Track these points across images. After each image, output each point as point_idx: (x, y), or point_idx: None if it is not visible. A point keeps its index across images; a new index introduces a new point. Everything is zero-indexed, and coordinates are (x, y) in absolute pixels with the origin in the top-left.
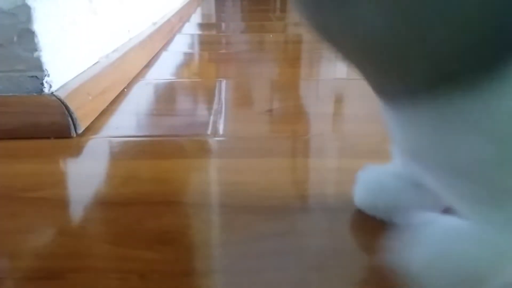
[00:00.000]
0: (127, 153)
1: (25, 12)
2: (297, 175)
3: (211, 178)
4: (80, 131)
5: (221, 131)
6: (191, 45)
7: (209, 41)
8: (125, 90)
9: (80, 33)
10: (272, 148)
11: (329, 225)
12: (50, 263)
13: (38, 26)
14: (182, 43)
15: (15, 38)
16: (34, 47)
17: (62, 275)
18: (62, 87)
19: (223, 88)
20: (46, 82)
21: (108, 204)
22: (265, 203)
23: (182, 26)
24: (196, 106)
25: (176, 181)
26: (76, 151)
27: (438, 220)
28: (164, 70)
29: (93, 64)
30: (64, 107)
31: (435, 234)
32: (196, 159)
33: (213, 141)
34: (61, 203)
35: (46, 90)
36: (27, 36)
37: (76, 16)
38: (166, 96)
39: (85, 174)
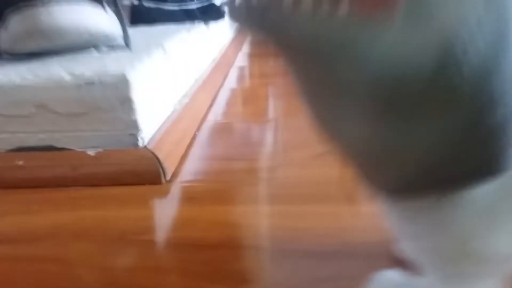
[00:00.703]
0: (206, 198)
1: (125, 84)
2: (350, 221)
3: (275, 223)
4: (168, 177)
5: (279, 176)
6: (243, 78)
7: (262, 73)
8: (197, 133)
9: (161, 86)
10: (327, 193)
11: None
12: None
13: (134, 94)
14: (236, 77)
15: (118, 105)
16: (132, 111)
17: None
18: (151, 139)
19: (278, 128)
20: (140, 138)
21: (200, 246)
22: (322, 248)
23: (236, 57)
24: (253, 149)
25: (246, 226)
26: (168, 195)
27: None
28: (223, 109)
29: (171, 113)
30: (155, 158)
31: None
32: (256, 205)
33: (271, 187)
34: (165, 244)
35: (140, 144)
36: (127, 103)
37: (158, 74)
38: (228, 139)
39: (178, 217)
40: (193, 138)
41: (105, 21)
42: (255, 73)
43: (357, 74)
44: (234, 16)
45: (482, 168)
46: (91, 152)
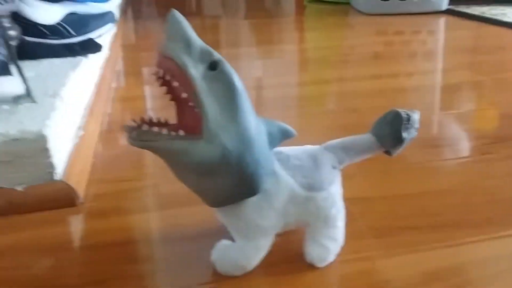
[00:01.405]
0: (111, 211)
1: (42, 139)
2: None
3: (163, 223)
4: (81, 200)
5: (162, 191)
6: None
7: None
8: (94, 160)
9: (63, 129)
10: (197, 199)
11: None
12: None
13: (49, 144)
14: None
15: (38, 153)
16: (48, 156)
17: None
18: (64, 173)
19: None
20: (55, 173)
21: (111, 245)
22: (201, 235)
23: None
24: (138, 171)
25: (142, 228)
26: (82, 213)
27: (224, 242)
28: (109, 134)
29: (73, 148)
30: (69, 187)
31: (221, 246)
32: (147, 213)
33: (156, 198)
34: (84, 246)
35: (56, 178)
36: (44, 151)
37: (61, 120)
38: (117, 163)
39: (92, 227)
40: (93, 165)
41: (12, 83)
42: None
43: (187, 162)
44: (128, 138)
45: (250, 191)
46: (19, 188)
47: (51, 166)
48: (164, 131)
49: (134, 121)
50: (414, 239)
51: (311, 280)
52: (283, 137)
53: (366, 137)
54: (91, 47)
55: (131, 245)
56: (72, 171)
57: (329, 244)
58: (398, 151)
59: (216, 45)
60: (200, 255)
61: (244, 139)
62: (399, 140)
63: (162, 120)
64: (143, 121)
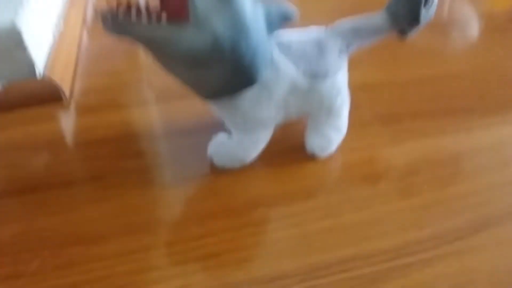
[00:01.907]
0: (101, 106)
1: (17, 33)
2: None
3: (159, 116)
4: (67, 95)
5: (158, 81)
6: None
7: None
8: (79, 53)
9: (41, 21)
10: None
11: None
12: None
13: (25, 38)
14: None
15: (14, 49)
16: (26, 52)
17: None
18: (46, 68)
19: None
20: (37, 69)
21: (103, 141)
22: (199, 128)
23: None
24: (129, 61)
25: (138, 122)
26: (71, 109)
27: (220, 135)
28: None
29: (54, 41)
30: (53, 82)
31: (217, 140)
32: (143, 106)
33: (154, 90)
34: (76, 143)
35: (38, 74)
36: (21, 46)
37: (36, 11)
38: (107, 56)
39: (82, 123)
40: (78, 59)
41: None
42: None
43: (173, 52)
44: (103, 26)
45: (247, 82)
46: None
47: (30, 60)
48: (143, 17)
49: (110, 5)
50: (423, 125)
51: (312, 170)
52: (283, 20)
53: (378, 16)
54: None
55: (125, 140)
56: (55, 65)
57: (332, 134)
58: (413, 33)
59: None
60: (198, 149)
61: (238, 24)
62: (416, 20)
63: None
64: (119, 5)
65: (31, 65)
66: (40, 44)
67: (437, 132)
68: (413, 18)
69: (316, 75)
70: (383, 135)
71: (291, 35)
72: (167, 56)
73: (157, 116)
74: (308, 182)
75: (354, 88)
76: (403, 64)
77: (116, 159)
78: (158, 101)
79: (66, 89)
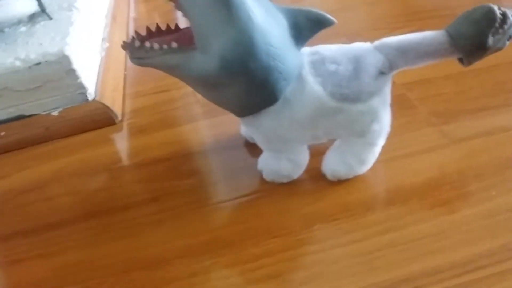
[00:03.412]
0: (153, 127)
1: (66, 59)
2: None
3: (212, 131)
4: (119, 118)
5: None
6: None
7: None
8: (125, 73)
9: (87, 43)
10: None
11: None
12: None
13: (74, 63)
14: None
15: (64, 75)
16: (76, 76)
17: None
18: (96, 92)
19: None
20: (88, 94)
21: (158, 161)
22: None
23: None
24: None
25: (190, 139)
26: (123, 131)
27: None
28: None
29: (100, 62)
30: (104, 106)
31: (265, 155)
32: (194, 122)
33: (201, 106)
34: (133, 166)
35: (89, 98)
36: (71, 72)
37: (82, 35)
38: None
39: (136, 145)
40: (125, 78)
41: (23, 1)
42: None
43: (188, 77)
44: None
45: (265, 101)
46: (54, 113)
47: (81, 86)
48: (156, 45)
49: (134, 34)
50: (485, 122)
51: (366, 181)
52: (316, 27)
53: (437, 35)
54: None
55: (177, 159)
56: (104, 88)
57: (354, 165)
58: (476, 60)
59: None
60: (248, 164)
61: (242, 44)
62: (482, 47)
63: (165, 28)
64: (137, 36)
65: (82, 91)
66: (88, 69)
67: (502, 129)
68: (479, 44)
69: (345, 98)
70: (441, 136)
71: (329, 49)
72: (185, 79)
73: (205, 132)
74: (363, 194)
75: (405, 87)
76: None
77: (171, 179)
78: (205, 117)
79: (117, 111)
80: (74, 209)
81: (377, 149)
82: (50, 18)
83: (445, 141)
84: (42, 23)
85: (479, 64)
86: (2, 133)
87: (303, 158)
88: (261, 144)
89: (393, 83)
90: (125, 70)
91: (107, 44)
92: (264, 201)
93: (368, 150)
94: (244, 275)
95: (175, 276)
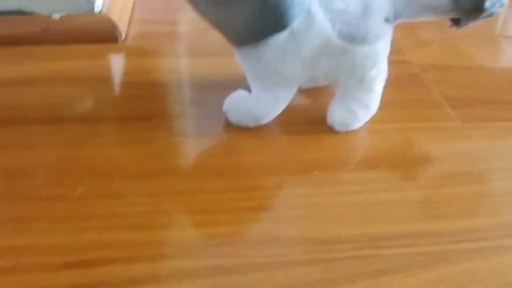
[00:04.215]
0: (154, 52)
1: None
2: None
3: (196, 70)
4: (123, 38)
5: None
6: None
7: None
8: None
9: None
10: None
11: None
12: None
13: None
14: None
15: None
16: None
17: None
18: (104, 6)
19: None
20: (96, 4)
21: (156, 84)
22: (224, 82)
23: None
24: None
25: (176, 71)
26: (125, 51)
27: (239, 91)
28: None
29: None
30: (111, 21)
31: (235, 95)
32: (181, 58)
33: (192, 43)
34: (133, 84)
35: (96, 10)
36: None
37: None
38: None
39: (138, 65)
40: (134, 3)
41: None
42: None
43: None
44: None
45: (275, 26)
46: (56, 16)
47: None
48: None
49: None
50: (496, 112)
51: (374, 142)
52: None
53: None
54: None
55: (174, 87)
56: (113, 4)
57: (358, 110)
58: (469, 23)
59: None
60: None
61: None
62: (479, 8)
63: None
64: None
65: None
66: None
67: None
68: (476, 5)
69: (352, 38)
70: (453, 118)
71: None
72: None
73: (211, 67)
74: (368, 153)
75: (422, 68)
76: (480, 50)
77: (166, 103)
78: (211, 55)
79: (122, 29)
80: (63, 111)
81: (377, 95)
82: None
83: (454, 123)
84: None
85: (498, 63)
86: None
87: (285, 100)
88: (254, 78)
89: (409, 62)
90: None
91: None
92: (263, 141)
93: (367, 96)
94: (234, 202)
95: (160, 190)
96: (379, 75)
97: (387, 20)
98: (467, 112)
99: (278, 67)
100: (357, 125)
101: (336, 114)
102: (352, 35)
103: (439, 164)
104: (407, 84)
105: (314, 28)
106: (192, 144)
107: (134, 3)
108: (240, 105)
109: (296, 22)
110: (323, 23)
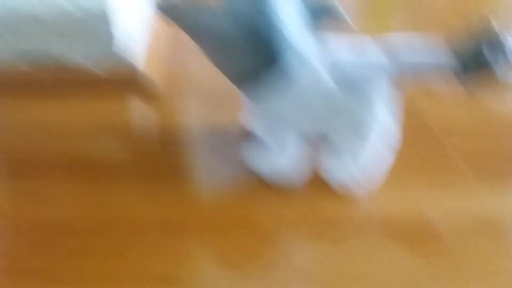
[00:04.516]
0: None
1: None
2: None
3: None
4: (157, 92)
5: None
6: None
7: None
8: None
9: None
10: None
11: None
12: None
13: (121, 22)
14: None
15: (107, 27)
16: (118, 32)
17: None
18: (133, 54)
19: None
20: (125, 53)
21: None
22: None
23: None
24: None
25: None
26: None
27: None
28: None
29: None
30: (135, 67)
31: (252, 145)
32: None
33: None
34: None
35: (126, 58)
36: (113, 27)
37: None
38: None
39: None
40: (152, 46)
41: None
42: None
43: (205, 34)
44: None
45: (264, 62)
46: (88, 61)
47: (119, 42)
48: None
49: None
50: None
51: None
52: (324, 14)
53: (444, 56)
54: None
55: (186, 135)
56: (150, 63)
57: (347, 160)
58: (476, 76)
59: None
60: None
61: (256, 4)
62: (478, 58)
63: None
64: None
65: (119, 47)
66: (132, 32)
67: None
68: (477, 59)
69: (350, 93)
70: (474, 182)
71: (337, 40)
72: (202, 39)
73: (224, 117)
74: (384, 215)
75: (439, 126)
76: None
77: (187, 155)
78: (224, 106)
79: (143, 73)
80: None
81: (372, 147)
82: None
83: (479, 188)
84: None
85: None
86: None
87: (292, 146)
88: (258, 121)
89: (429, 127)
90: (153, 38)
91: (152, 17)
92: (283, 194)
93: (360, 145)
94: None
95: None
96: (374, 122)
97: (385, 72)
98: (491, 173)
99: (280, 112)
100: (344, 176)
101: (330, 168)
102: (350, 90)
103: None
104: (424, 145)
105: (315, 80)
106: (217, 197)
107: (166, 61)
108: (257, 154)
109: (298, 71)
110: (323, 77)
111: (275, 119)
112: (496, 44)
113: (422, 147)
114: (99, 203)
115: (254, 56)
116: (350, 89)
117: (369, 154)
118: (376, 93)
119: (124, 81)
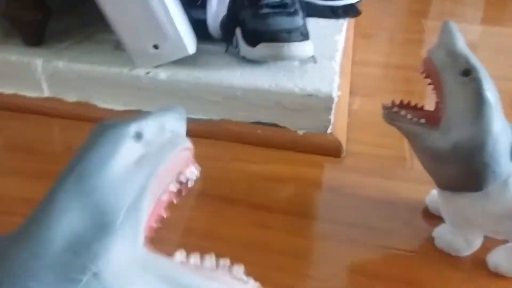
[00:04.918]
0: (370, 170)
1: (330, 99)
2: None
3: None
4: (344, 154)
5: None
6: None
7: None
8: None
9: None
10: None
11: None
12: None
13: (333, 104)
14: None
15: (322, 109)
16: (329, 113)
17: None
18: (334, 128)
19: None
20: (329, 128)
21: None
22: None
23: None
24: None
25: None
26: (345, 164)
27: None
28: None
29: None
30: (338, 141)
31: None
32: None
33: None
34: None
35: (329, 131)
36: (328, 109)
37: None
38: (376, 127)
39: (352, 179)
40: (348, 125)
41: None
42: None
43: (419, 146)
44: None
45: (472, 186)
46: (300, 132)
47: (328, 121)
48: (409, 115)
49: (392, 102)
50: None
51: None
52: None
53: None
54: (352, 11)
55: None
56: (337, 127)
57: None
58: None
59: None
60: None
61: (478, 141)
62: None
63: (414, 104)
64: (394, 104)
65: (328, 124)
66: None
67: None
68: None
69: None
70: None
71: None
72: (417, 147)
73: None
74: None
75: None
76: None
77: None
78: (415, 181)
79: (344, 147)
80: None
81: None
82: (315, 62)
83: None
84: (309, 64)
85: None
86: (259, 131)
87: (477, 242)
88: (446, 217)
89: None
90: (348, 117)
91: (339, 92)
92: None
93: None
94: None
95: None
96: None
97: None
98: None
99: (467, 215)
100: (509, 274)
101: (495, 258)
102: None
103: None
104: None
105: (505, 196)
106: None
107: (348, 124)
108: (444, 234)
109: (493, 187)
110: None
111: (463, 221)
112: None
113: None
114: None
115: (463, 178)
116: None
117: None
118: None
119: (318, 144)
